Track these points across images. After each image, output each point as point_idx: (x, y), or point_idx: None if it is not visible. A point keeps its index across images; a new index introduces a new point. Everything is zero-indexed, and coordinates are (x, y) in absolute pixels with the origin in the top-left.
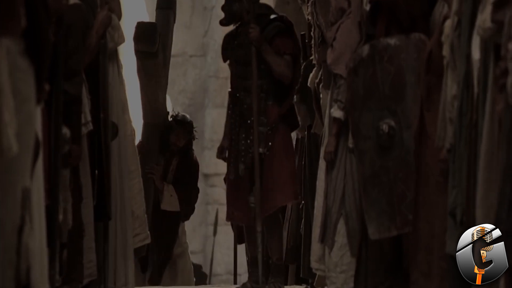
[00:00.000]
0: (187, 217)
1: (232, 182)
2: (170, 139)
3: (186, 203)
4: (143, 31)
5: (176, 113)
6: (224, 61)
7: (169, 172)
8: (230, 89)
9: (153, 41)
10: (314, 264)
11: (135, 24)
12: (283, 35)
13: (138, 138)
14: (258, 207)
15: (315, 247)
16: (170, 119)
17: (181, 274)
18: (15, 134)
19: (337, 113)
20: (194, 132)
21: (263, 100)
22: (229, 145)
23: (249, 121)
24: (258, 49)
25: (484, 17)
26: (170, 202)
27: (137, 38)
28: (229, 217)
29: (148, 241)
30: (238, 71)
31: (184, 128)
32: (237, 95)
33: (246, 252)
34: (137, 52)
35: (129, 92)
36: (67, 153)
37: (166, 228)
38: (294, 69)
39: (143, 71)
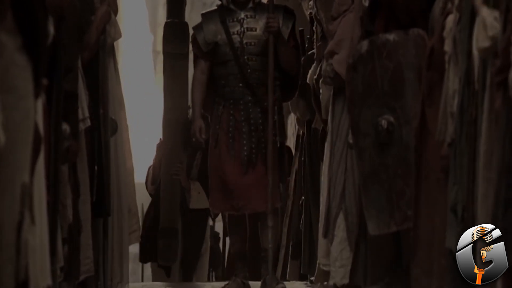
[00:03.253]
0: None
1: (236, 172)
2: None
3: None
4: (173, 31)
5: None
6: (208, 49)
7: (193, 167)
8: (223, 81)
9: (185, 42)
10: (321, 260)
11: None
12: (294, 27)
13: (132, 135)
14: (271, 200)
15: (322, 242)
16: (190, 113)
17: (199, 271)
18: (1, 125)
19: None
20: None
21: (278, 90)
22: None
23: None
24: (276, 40)
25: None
26: (198, 200)
27: (167, 39)
28: (230, 209)
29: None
30: (251, 62)
31: (206, 122)
32: (253, 88)
33: (232, 245)
34: (167, 53)
35: (126, 89)
36: (66, 149)
37: (195, 228)
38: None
39: (171, 72)
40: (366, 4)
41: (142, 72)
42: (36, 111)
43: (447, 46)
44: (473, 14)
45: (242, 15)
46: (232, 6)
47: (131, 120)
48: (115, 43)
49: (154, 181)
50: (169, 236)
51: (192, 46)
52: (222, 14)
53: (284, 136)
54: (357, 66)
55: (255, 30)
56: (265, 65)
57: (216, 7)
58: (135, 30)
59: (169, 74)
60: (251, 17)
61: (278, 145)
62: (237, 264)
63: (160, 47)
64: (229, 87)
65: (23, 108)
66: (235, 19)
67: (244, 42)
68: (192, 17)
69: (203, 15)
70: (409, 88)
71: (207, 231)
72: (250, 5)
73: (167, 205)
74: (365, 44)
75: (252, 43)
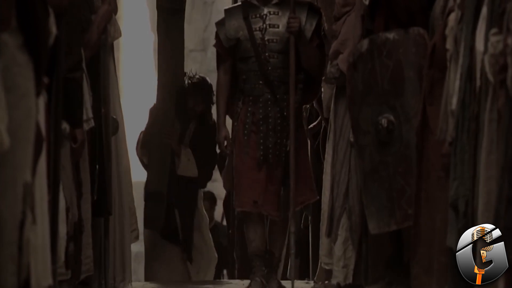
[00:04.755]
0: (204, 185)
1: (261, 173)
2: (188, 104)
3: (204, 168)
4: None
5: (194, 74)
6: (229, 44)
7: (185, 136)
8: (244, 76)
9: None
10: (323, 259)
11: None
12: (319, 25)
13: (132, 135)
14: (293, 206)
15: (324, 241)
16: (187, 81)
17: (203, 252)
18: (6, 129)
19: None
20: (213, 96)
21: (299, 93)
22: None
23: (285, 113)
24: (297, 40)
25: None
26: (187, 166)
27: None
28: (250, 206)
29: (138, 238)
30: (272, 60)
31: (203, 92)
32: (273, 85)
33: (249, 244)
34: (160, 7)
35: (127, 88)
36: (71, 147)
37: (185, 197)
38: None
39: (165, 29)
40: (366, 3)
41: (143, 71)
42: (37, 110)
43: (449, 45)
44: (476, 10)
45: (265, 11)
46: (255, 2)
47: (131, 120)
48: (115, 42)
49: (144, 144)
50: (156, 199)
51: (215, 43)
52: (245, 9)
53: (301, 139)
54: (357, 65)
55: (278, 27)
56: (286, 63)
57: (240, 3)
58: (136, 29)
59: (163, 32)
60: (274, 13)
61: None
62: (255, 263)
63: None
64: (249, 84)
65: (25, 106)
66: (257, 15)
67: (266, 38)
68: (193, 16)
69: (226, 10)
70: (409, 86)
71: (199, 201)
72: (275, 1)
73: (155, 169)
74: (365, 43)
75: (274, 40)
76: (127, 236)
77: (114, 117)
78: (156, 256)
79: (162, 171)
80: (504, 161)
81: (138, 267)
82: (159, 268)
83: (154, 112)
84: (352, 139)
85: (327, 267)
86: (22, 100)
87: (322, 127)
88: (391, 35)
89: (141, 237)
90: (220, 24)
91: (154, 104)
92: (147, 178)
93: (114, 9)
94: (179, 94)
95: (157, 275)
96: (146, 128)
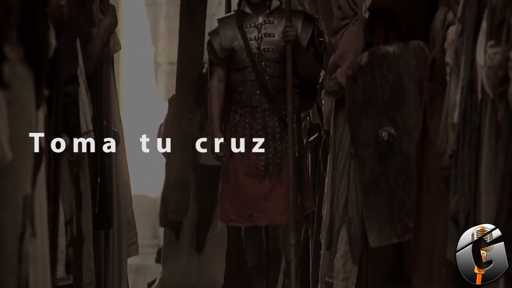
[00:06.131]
0: None
1: (252, 182)
2: (206, 90)
3: None
4: None
5: None
6: (224, 55)
7: (206, 124)
8: (240, 88)
9: None
10: (325, 272)
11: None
12: (314, 33)
13: (132, 147)
14: (293, 216)
15: (325, 254)
16: (205, 68)
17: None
18: (8, 142)
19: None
20: None
21: (297, 99)
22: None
23: (283, 121)
24: (294, 49)
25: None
26: (209, 155)
27: None
28: (246, 220)
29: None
30: (269, 69)
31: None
32: (270, 95)
33: (249, 259)
34: None
35: (127, 100)
36: (71, 154)
37: (207, 187)
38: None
39: (185, 15)
40: (366, 15)
41: (143, 84)
42: (37, 122)
43: (449, 58)
44: (477, 23)
45: (260, 20)
46: (249, 11)
47: (131, 131)
48: (116, 55)
49: (165, 135)
50: (180, 189)
51: (208, 53)
52: (239, 19)
53: (302, 146)
54: (357, 77)
55: (273, 36)
56: (283, 71)
57: (233, 12)
58: (136, 42)
59: (184, 18)
60: (269, 22)
61: (296, 155)
62: (255, 277)
63: (161, 59)
64: (246, 94)
65: (25, 118)
66: (252, 25)
67: (262, 48)
68: None
69: (219, 20)
70: (410, 98)
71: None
72: (269, 10)
73: (178, 158)
74: (365, 56)
75: (270, 49)
76: (124, 249)
77: (115, 130)
78: (173, 258)
79: (185, 160)
80: (504, 172)
81: (138, 280)
82: (175, 271)
83: (174, 102)
84: (352, 151)
85: (330, 280)
86: (22, 112)
87: (322, 140)
88: (391, 48)
89: (142, 249)
90: (213, 33)
91: (173, 95)
92: (171, 168)
93: (115, 22)
94: (198, 82)
95: (173, 278)
96: (166, 120)
